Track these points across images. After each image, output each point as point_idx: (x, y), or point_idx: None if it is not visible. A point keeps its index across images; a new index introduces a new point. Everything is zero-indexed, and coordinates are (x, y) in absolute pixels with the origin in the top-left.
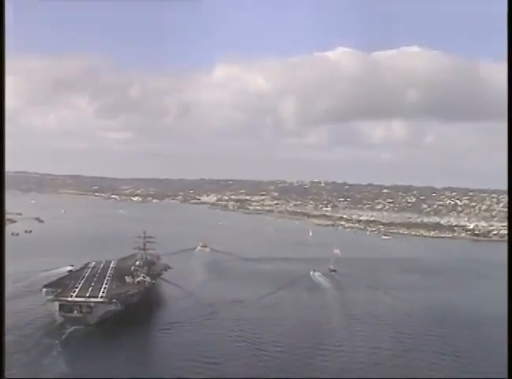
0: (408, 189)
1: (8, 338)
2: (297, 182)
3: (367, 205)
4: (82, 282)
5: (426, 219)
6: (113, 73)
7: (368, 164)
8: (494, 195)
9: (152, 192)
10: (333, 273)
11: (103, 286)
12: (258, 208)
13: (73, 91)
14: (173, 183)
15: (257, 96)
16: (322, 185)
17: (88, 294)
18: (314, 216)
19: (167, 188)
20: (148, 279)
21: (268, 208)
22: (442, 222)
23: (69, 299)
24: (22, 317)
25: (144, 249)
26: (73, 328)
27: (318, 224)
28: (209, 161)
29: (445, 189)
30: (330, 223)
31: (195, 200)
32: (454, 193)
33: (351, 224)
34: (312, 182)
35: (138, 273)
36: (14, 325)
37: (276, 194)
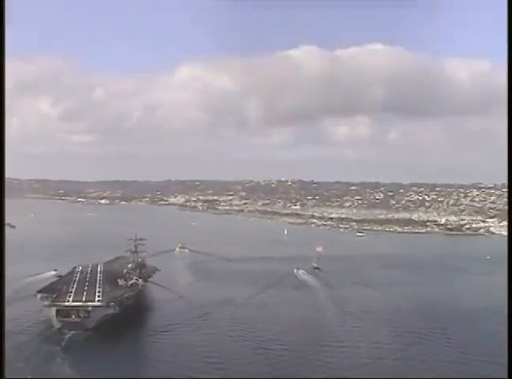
0: (375, 186)
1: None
2: (264, 182)
3: (336, 203)
4: (75, 286)
5: (396, 215)
6: (75, 74)
7: (334, 162)
8: (461, 190)
9: (118, 194)
10: (316, 271)
11: (97, 289)
12: (227, 208)
13: (35, 94)
14: (139, 185)
15: (221, 96)
16: (289, 183)
17: (84, 299)
18: (285, 215)
19: (133, 190)
20: (141, 281)
21: (236, 207)
22: (413, 217)
23: (67, 304)
24: (17, 324)
25: (135, 252)
26: (72, 332)
27: (290, 223)
28: (175, 162)
29: (412, 184)
30: (302, 221)
31: (163, 202)
32: (422, 189)
33: (323, 222)
34: (279, 181)
35: (131, 276)
36: (11, 332)
37: (243, 194)
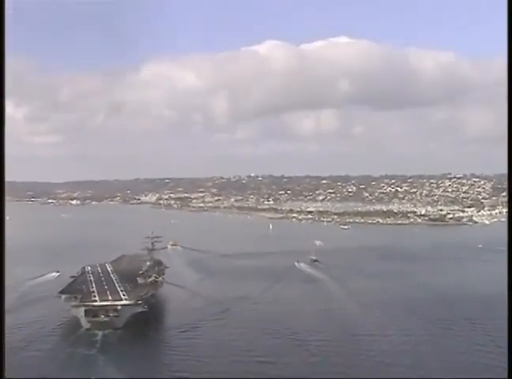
0: (346, 179)
1: (37, 353)
2: (234, 178)
3: (309, 197)
4: (94, 286)
5: (373, 207)
6: (38, 74)
7: (301, 156)
8: (432, 180)
9: (89, 194)
10: (316, 263)
11: (119, 289)
12: (201, 205)
13: None
14: (109, 184)
15: (186, 93)
16: (260, 179)
17: (110, 298)
18: (263, 210)
19: (103, 189)
20: (160, 279)
21: (211, 204)
22: (392, 209)
23: (96, 304)
24: (41, 326)
25: (152, 249)
26: (102, 333)
27: (269, 218)
28: (143, 160)
29: (383, 177)
30: (282, 215)
31: (135, 201)
32: (394, 181)
33: (303, 216)
34: (249, 177)
35: (149, 274)
36: (36, 335)
37: (214, 190)
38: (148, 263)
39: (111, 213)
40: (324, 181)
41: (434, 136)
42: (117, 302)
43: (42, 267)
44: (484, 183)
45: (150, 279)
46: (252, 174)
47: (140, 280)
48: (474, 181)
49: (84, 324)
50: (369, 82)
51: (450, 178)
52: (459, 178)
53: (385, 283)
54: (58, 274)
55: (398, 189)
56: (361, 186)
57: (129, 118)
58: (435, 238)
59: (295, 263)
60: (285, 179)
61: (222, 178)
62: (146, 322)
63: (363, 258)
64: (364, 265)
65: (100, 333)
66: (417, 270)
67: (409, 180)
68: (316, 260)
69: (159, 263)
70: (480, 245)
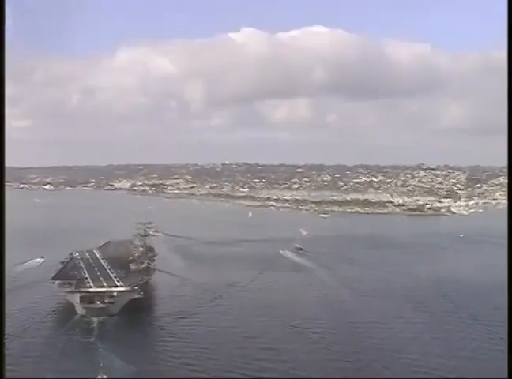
0: (320, 168)
1: (35, 340)
2: (209, 165)
3: (284, 185)
4: (86, 272)
5: (349, 197)
6: (12, 58)
7: (275, 145)
8: (407, 171)
9: (62, 180)
10: (301, 251)
11: (112, 275)
12: (177, 191)
13: None
14: (82, 170)
15: (161, 80)
16: (235, 166)
17: (105, 284)
18: (240, 198)
19: (77, 175)
20: (152, 265)
21: (186, 191)
22: (370, 198)
23: (91, 290)
24: (36, 313)
25: (145, 235)
26: (97, 319)
27: (247, 205)
28: (117, 146)
29: (357, 166)
30: (259, 203)
31: (109, 187)
32: (368, 170)
33: (281, 204)
34: (224, 164)
35: (142, 260)
36: (29, 322)
37: (189, 177)
38: (140, 249)
39: (87, 199)
40: (299, 170)
41: (408, 126)
42: (113, 288)
43: (24, 252)
44: (459, 174)
45: (143, 266)
46: (227, 162)
47: (132, 266)
48: (448, 173)
49: (80, 310)
50: (344, 72)
51: (425, 169)
52: (433, 169)
53: (376, 271)
54: (42, 260)
55: (373, 178)
56: (336, 175)
57: (103, 103)
58: (416, 228)
59: (281, 251)
60: (260, 167)
61: (196, 165)
62: (141, 309)
63: (348, 247)
64: (351, 254)
65: (96, 320)
66: (405, 259)
67: (384, 170)
68: (301, 249)
69: (150, 249)
70: (462, 235)
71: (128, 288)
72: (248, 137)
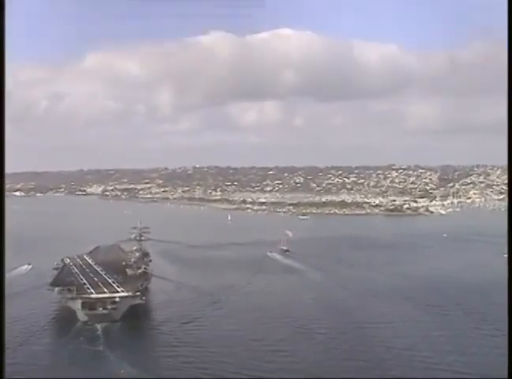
0: (292, 170)
1: (41, 348)
2: (180, 169)
3: (257, 187)
4: (83, 278)
5: (325, 198)
6: None
7: (246, 147)
8: (379, 171)
9: (32, 186)
10: (288, 253)
11: (110, 280)
12: (149, 196)
13: None
14: (52, 175)
15: (130, 83)
16: (206, 170)
17: (105, 290)
18: (216, 201)
19: (46, 181)
20: (149, 270)
21: (158, 195)
22: (347, 199)
23: (93, 296)
24: (34, 321)
25: (140, 240)
26: (100, 326)
27: (223, 209)
28: (86, 151)
29: (328, 167)
30: (235, 206)
31: (80, 192)
32: (340, 172)
33: (257, 207)
34: (195, 168)
35: (138, 265)
36: (32, 332)
37: (160, 182)
38: (137, 254)
39: (60, 205)
40: (271, 172)
41: (377, 127)
42: (115, 294)
43: (8, 259)
44: (430, 174)
45: (139, 271)
46: (197, 165)
47: (129, 272)
48: (420, 173)
49: (81, 317)
50: (313, 73)
51: (397, 169)
52: (404, 169)
53: (368, 272)
54: (29, 266)
55: (346, 179)
56: (308, 177)
57: (72, 108)
58: (398, 228)
59: (268, 253)
60: (231, 170)
61: (167, 168)
62: (142, 314)
63: (334, 248)
64: (339, 255)
65: (99, 326)
66: (394, 259)
67: (356, 171)
68: (287, 250)
69: (146, 254)
70: (445, 235)
71: (130, 294)
72: (218, 140)
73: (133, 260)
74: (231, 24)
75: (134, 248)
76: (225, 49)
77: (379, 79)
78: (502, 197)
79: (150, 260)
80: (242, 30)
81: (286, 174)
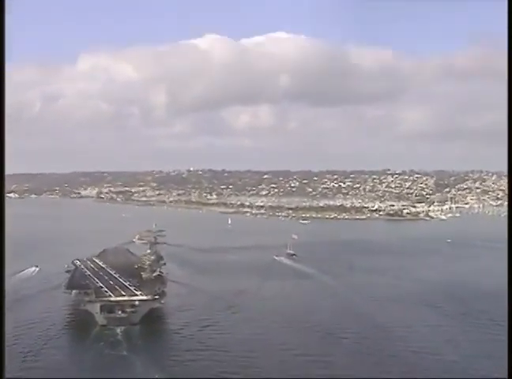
0: (287, 174)
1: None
2: (174, 172)
3: (252, 191)
4: (99, 281)
5: (323, 202)
6: None
7: (241, 151)
8: (374, 176)
9: (26, 187)
10: (294, 257)
11: (126, 283)
12: (144, 199)
13: None
14: (46, 177)
15: (125, 86)
16: (200, 173)
17: (124, 293)
18: (213, 204)
19: (40, 183)
20: (165, 273)
21: (154, 198)
22: (345, 204)
23: (112, 299)
24: (51, 324)
25: (155, 243)
26: (120, 330)
27: (222, 212)
28: (80, 153)
29: (324, 172)
30: (234, 210)
31: (75, 195)
32: (336, 176)
33: (256, 210)
34: (189, 171)
35: (153, 268)
36: (50, 336)
37: (154, 184)
38: (152, 257)
39: (57, 207)
40: (265, 176)
41: (371, 132)
42: (134, 298)
43: (14, 262)
44: (426, 179)
45: (154, 274)
46: (192, 169)
47: (144, 275)
48: (416, 178)
49: (100, 320)
50: (307, 78)
51: (392, 174)
52: (400, 174)
53: (380, 277)
54: (37, 269)
55: (341, 184)
56: (304, 181)
57: (65, 110)
58: (401, 233)
59: (275, 257)
60: (226, 174)
61: (161, 171)
62: (159, 318)
63: (341, 252)
64: (348, 259)
65: (119, 330)
66: (406, 264)
67: (351, 175)
68: (294, 255)
69: (160, 257)
70: (449, 240)
71: (149, 297)
72: (211, 144)
73: (147, 263)
74: (226, 27)
75: (148, 251)
76: (220, 52)
77: (374, 84)
78: (499, 202)
79: (164, 264)
80: (238, 33)
81: (281, 178)
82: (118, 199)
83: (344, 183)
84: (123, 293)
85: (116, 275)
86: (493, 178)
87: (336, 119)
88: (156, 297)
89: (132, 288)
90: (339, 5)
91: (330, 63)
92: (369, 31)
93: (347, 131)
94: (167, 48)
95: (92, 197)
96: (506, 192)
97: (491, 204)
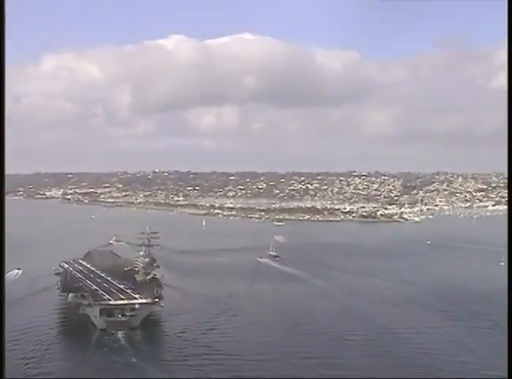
0: (254, 176)
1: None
2: (139, 173)
3: (219, 193)
4: (92, 284)
5: (293, 204)
6: None
7: (205, 152)
8: (341, 178)
9: None
10: (277, 259)
11: (120, 286)
12: (111, 200)
13: None
14: (8, 178)
15: (89, 86)
16: (166, 174)
17: (122, 296)
18: (183, 206)
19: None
20: (159, 276)
21: (121, 199)
22: (316, 206)
23: (111, 303)
24: (49, 328)
25: (149, 246)
26: (121, 334)
27: (192, 214)
28: (43, 154)
29: (290, 173)
30: (205, 211)
31: (40, 196)
32: (303, 178)
33: (227, 212)
34: (154, 172)
35: (147, 271)
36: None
37: (120, 186)
38: (146, 260)
39: (21, 208)
40: (232, 178)
41: (336, 134)
42: (134, 301)
43: None
44: (393, 181)
45: (149, 277)
46: (157, 170)
47: (138, 278)
48: (383, 179)
49: (100, 324)
50: (272, 79)
51: (358, 176)
52: (366, 176)
53: (371, 279)
54: (20, 271)
55: (309, 185)
56: (271, 183)
57: (27, 110)
58: (379, 235)
59: (258, 259)
60: (192, 175)
61: (126, 173)
62: (158, 321)
63: (324, 255)
64: (332, 261)
65: (120, 335)
66: (392, 266)
67: (318, 177)
68: (277, 256)
69: (153, 260)
70: (429, 242)
71: (149, 300)
72: (176, 145)
73: (141, 265)
74: (192, 27)
75: (141, 253)
76: (185, 53)
77: (339, 86)
78: (468, 204)
79: (158, 266)
80: (203, 34)
81: (248, 180)
82: (84, 200)
83: (312, 185)
84: (122, 296)
85: (108, 278)
86: (459, 180)
87: (300, 121)
88: (156, 300)
89: (129, 291)
90: (308, 7)
91: (295, 65)
92: (335, 33)
93: (311, 133)
94: (132, 48)
95: (57, 197)
96: (480, 193)
97: (460, 206)
